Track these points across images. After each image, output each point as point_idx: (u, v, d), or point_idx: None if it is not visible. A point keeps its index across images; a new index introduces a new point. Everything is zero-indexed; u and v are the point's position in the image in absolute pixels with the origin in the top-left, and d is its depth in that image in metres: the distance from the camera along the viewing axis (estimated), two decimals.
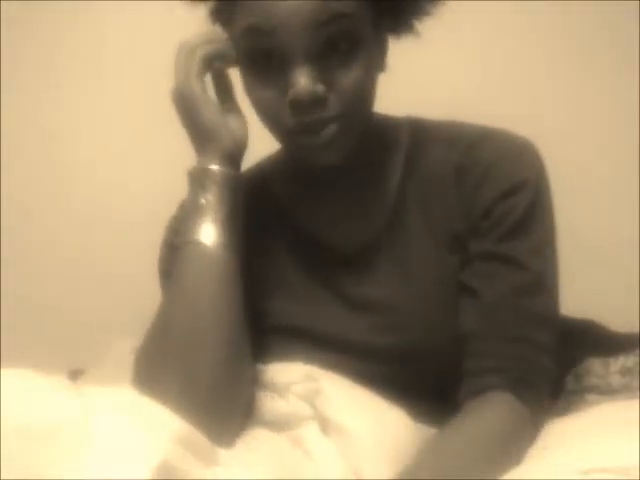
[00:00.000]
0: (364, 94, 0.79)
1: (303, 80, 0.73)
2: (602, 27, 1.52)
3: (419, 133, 0.88)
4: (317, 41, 0.74)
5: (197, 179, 0.80)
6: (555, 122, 1.45)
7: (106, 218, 1.60)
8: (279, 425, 0.77)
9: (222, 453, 0.68)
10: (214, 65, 0.81)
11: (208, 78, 0.82)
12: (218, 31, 0.81)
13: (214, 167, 0.80)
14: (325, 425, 0.75)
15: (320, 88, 0.74)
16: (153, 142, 1.56)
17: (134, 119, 1.57)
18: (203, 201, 0.79)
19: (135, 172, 1.57)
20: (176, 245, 0.82)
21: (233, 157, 0.81)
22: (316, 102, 0.74)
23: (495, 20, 1.48)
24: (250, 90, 0.79)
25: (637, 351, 1.03)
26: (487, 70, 1.52)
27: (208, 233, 0.78)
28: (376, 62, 0.80)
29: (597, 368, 1.00)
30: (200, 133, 0.81)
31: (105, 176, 1.60)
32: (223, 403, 0.76)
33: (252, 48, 0.76)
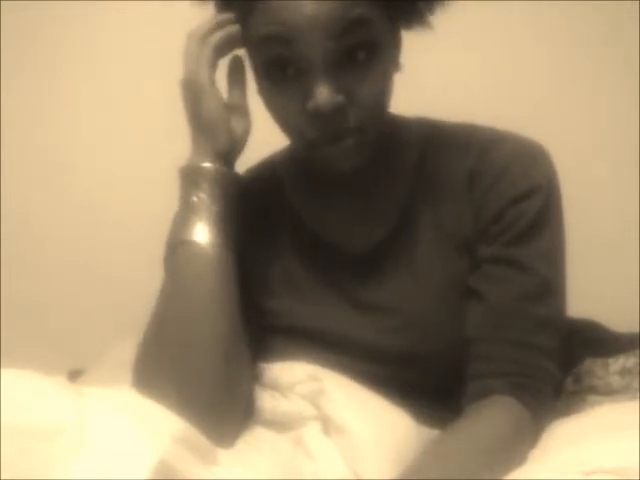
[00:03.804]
0: (382, 102, 0.79)
1: (324, 91, 0.73)
2: (603, 28, 1.52)
3: (430, 135, 0.88)
4: (337, 50, 0.73)
5: (189, 176, 0.80)
6: (555, 122, 1.45)
7: (106, 218, 1.60)
8: (282, 425, 0.77)
9: (222, 453, 0.68)
10: (226, 52, 0.81)
11: (220, 70, 0.81)
12: (228, 15, 0.80)
13: (207, 165, 0.79)
14: (327, 425, 0.74)
15: (340, 99, 0.73)
16: (155, 142, 1.56)
17: (135, 119, 1.57)
18: (195, 199, 0.79)
19: (135, 172, 1.57)
20: (170, 244, 0.81)
21: (227, 156, 0.81)
22: (336, 112, 0.73)
23: (497, 22, 1.48)
24: (266, 96, 0.79)
25: (637, 352, 1.03)
26: (490, 71, 1.52)
27: (201, 232, 0.78)
28: (392, 65, 0.79)
29: (597, 369, 1.00)
30: (199, 127, 0.80)
31: (105, 176, 1.60)
32: (222, 402, 0.75)
33: (269, 56, 0.75)
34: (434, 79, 1.31)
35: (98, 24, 1.57)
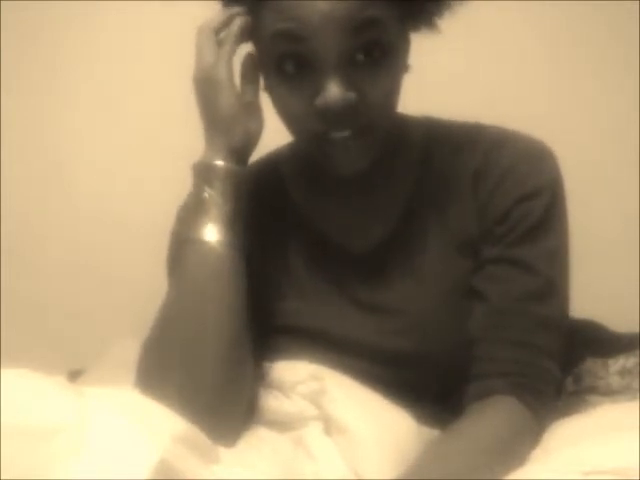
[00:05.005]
0: (391, 102, 0.79)
1: (335, 88, 0.72)
2: (603, 28, 1.52)
3: (436, 134, 0.88)
4: (350, 48, 0.72)
5: (201, 173, 0.79)
6: (554, 122, 1.45)
7: (106, 218, 1.59)
8: (284, 425, 0.77)
9: (223, 452, 0.68)
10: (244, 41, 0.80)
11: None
12: (237, 8, 0.79)
13: (219, 162, 0.78)
14: (328, 425, 0.75)
15: (351, 96, 0.73)
16: (155, 142, 1.56)
17: (135, 119, 1.57)
18: (206, 195, 0.78)
19: (136, 172, 1.57)
20: (179, 240, 0.81)
21: (241, 153, 0.80)
22: (346, 110, 0.73)
23: (498, 22, 1.48)
24: (274, 91, 0.78)
25: (637, 352, 1.03)
26: (491, 71, 1.52)
27: (211, 231, 0.77)
28: (402, 65, 0.79)
29: (597, 369, 1.00)
30: (215, 123, 0.79)
31: (105, 176, 1.60)
32: (225, 403, 0.75)
33: (281, 52, 0.74)
34: (434, 79, 1.31)
35: (98, 24, 1.56)
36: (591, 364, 1.02)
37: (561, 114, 1.51)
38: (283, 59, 0.74)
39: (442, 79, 1.41)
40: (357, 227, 0.87)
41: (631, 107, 1.51)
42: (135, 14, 1.54)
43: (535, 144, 0.85)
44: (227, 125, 0.79)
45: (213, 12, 0.81)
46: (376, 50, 0.74)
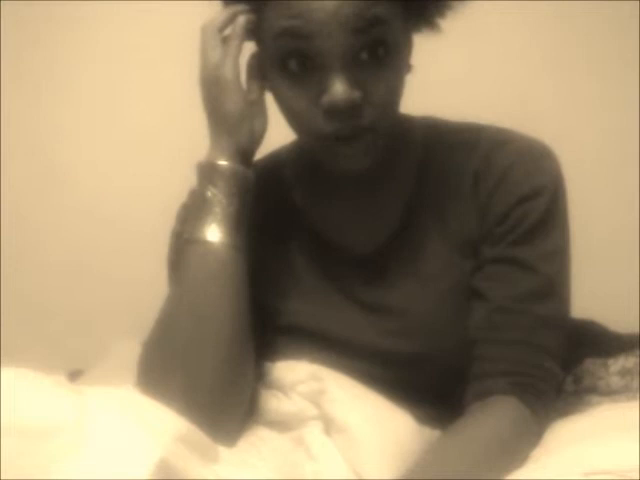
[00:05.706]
0: (395, 102, 0.79)
1: (340, 86, 0.72)
2: (604, 27, 1.52)
3: (436, 135, 0.88)
4: (355, 47, 0.72)
5: (206, 173, 0.79)
6: (554, 122, 1.45)
7: (107, 218, 1.59)
8: (284, 425, 0.77)
9: (223, 452, 0.68)
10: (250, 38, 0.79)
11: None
12: (241, 6, 0.79)
13: (224, 162, 0.78)
14: (329, 425, 0.74)
15: (356, 95, 0.73)
16: (156, 142, 1.56)
17: (136, 119, 1.57)
18: (210, 195, 0.78)
19: (135, 172, 1.57)
20: (182, 240, 0.81)
21: (246, 153, 0.80)
22: (352, 109, 0.73)
23: (498, 22, 1.48)
24: (278, 90, 0.78)
25: (637, 352, 1.03)
26: (490, 71, 1.52)
27: (214, 231, 0.77)
28: (405, 65, 0.79)
29: (597, 369, 1.00)
30: (221, 122, 0.79)
31: (105, 176, 1.60)
32: (225, 403, 0.76)
33: (285, 50, 0.74)
34: (436, 79, 1.31)
35: (98, 24, 1.56)
36: (591, 364, 1.01)
37: (561, 114, 1.51)
38: (287, 57, 0.74)
39: (443, 79, 1.41)
40: (358, 227, 0.87)
41: (631, 107, 1.51)
42: (135, 14, 1.54)
43: (535, 144, 0.85)
44: (233, 124, 0.78)
45: (214, 12, 0.81)
46: (380, 49, 0.74)
